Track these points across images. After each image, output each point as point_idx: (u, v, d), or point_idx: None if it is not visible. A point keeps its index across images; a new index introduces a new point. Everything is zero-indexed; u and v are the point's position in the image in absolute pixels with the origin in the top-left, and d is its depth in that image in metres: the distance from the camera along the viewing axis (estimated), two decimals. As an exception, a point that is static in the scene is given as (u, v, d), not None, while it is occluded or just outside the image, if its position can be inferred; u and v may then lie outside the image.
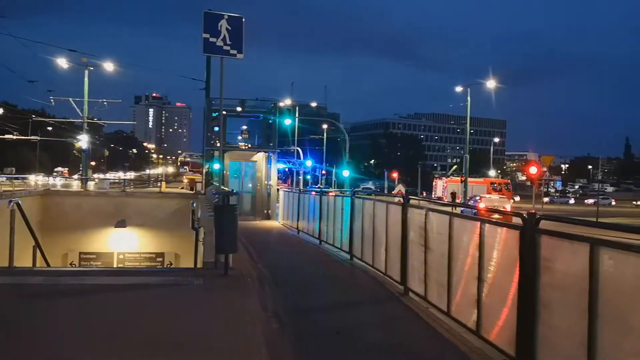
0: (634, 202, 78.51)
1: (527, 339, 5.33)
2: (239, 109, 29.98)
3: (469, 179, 53.98)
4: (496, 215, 7.12)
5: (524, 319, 5.40)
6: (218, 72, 13.71)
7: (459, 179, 56.16)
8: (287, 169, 51.72)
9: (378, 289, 9.98)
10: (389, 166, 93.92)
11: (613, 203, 77.29)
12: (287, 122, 38.96)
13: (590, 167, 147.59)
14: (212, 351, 6.21)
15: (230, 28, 12.85)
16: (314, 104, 79.26)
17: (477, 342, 6.43)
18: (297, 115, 49.35)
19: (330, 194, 17.69)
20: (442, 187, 56.66)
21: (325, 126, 71.42)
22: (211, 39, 12.90)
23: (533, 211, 5.66)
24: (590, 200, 77.71)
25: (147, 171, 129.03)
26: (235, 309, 8.31)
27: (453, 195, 52.58)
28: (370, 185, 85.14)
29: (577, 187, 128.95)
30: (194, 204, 13.57)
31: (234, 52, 12.98)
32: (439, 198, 54.21)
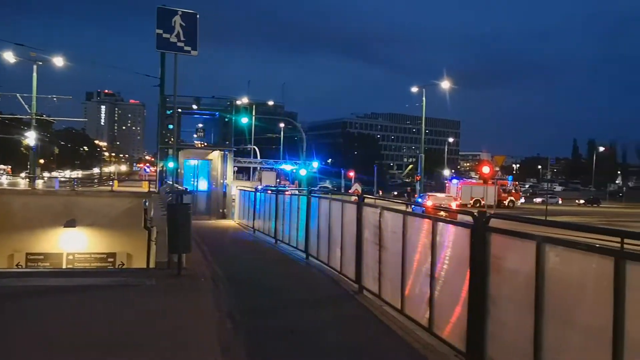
0: (577, 201, 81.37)
1: (477, 334, 5.42)
2: (194, 106, 29.56)
3: (478, 182, 57.74)
4: (442, 213, 7.19)
5: (474, 316, 5.50)
6: (173, 68, 13.47)
7: (475, 181, 58.82)
8: (293, 170, 52.69)
9: (333, 288, 10.00)
10: (346, 165, 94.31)
11: (560, 202, 79.81)
12: (244, 120, 38.74)
13: (539, 167, 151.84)
14: (164, 353, 6.08)
15: (184, 24, 12.63)
16: (271, 103, 78.82)
17: (430, 339, 6.52)
18: (254, 113, 49.11)
19: (287, 193, 17.64)
20: (455, 189, 58.07)
21: (282, 125, 71.24)
22: (165, 35, 12.66)
23: (484, 210, 5.78)
24: (539, 199, 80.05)
25: (93, 170, 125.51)
26: (189, 309, 8.19)
27: (409, 193, 53.41)
28: (327, 184, 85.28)
29: (527, 186, 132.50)
30: (147, 203, 13.30)
31: (188, 48, 12.76)
32: (454, 199, 55.89)
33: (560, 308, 4.32)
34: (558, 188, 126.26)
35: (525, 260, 4.70)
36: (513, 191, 59.50)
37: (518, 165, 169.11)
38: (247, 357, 6.12)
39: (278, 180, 49.33)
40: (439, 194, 48.26)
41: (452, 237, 6.22)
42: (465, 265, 5.69)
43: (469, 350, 5.56)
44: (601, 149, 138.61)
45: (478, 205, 53.89)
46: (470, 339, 5.54)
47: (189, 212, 10.40)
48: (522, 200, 57.35)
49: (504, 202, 57.07)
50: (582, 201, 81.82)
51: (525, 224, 5.76)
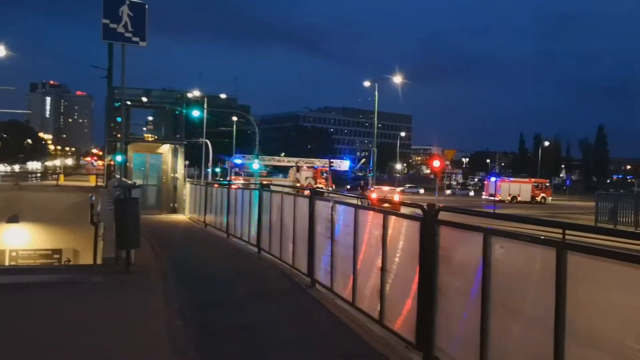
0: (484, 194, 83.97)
1: (426, 326, 5.51)
2: (144, 99, 28.89)
3: (516, 179, 62.68)
4: (386, 205, 7.30)
5: (424, 307, 5.58)
6: (121, 60, 13.08)
7: (512, 179, 62.91)
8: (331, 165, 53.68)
9: (285, 282, 9.97)
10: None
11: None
12: (195, 113, 38.11)
13: (488, 160, 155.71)
14: (110, 352, 5.93)
15: (132, 14, 12.25)
16: (223, 96, 77.90)
17: (381, 331, 6.58)
18: (205, 106, 48.36)
19: (232, 186, 17.48)
20: (494, 186, 60.49)
21: (235, 118, 70.48)
22: (111, 25, 12.23)
23: (433, 203, 5.86)
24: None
25: (27, 165, 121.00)
26: (137, 306, 8.01)
27: (362, 187, 54.04)
28: (280, 178, 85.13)
29: (476, 179, 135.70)
30: (93, 198, 12.92)
31: (137, 39, 12.39)
32: (491, 195, 58.02)
33: (506, 298, 4.42)
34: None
35: (473, 251, 4.79)
36: (544, 188, 62.04)
37: (468, 159, 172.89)
38: (197, 354, 6.03)
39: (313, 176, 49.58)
40: (383, 187, 49.69)
41: (402, 230, 6.28)
42: (416, 257, 5.77)
43: (419, 341, 5.64)
44: (546, 143, 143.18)
45: (514, 201, 58.16)
46: (420, 331, 5.62)
47: (138, 207, 10.16)
48: (549, 198, 60.65)
49: (537, 198, 59.76)
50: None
51: (472, 216, 5.88)
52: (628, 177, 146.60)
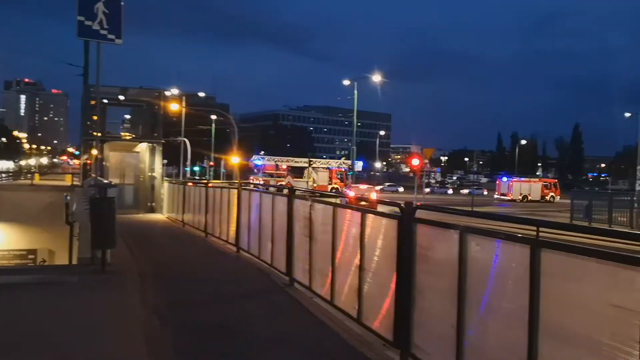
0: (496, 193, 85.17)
1: (403, 323, 5.53)
2: (121, 97, 28.52)
3: (527, 179, 65.21)
4: (363, 203, 7.32)
5: (401, 305, 5.61)
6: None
7: (524, 179, 65.46)
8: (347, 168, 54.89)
9: (264, 281, 9.94)
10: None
11: (485, 193, 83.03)
12: (174, 111, 37.80)
13: (466, 159, 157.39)
14: (87, 353, 5.85)
15: (107, 11, 12.10)
16: (202, 94, 77.27)
17: (359, 329, 6.60)
18: (184, 105, 47.98)
19: (209, 185, 17.35)
20: (507, 186, 62.91)
21: (214, 117, 70.09)
22: (86, 22, 12.08)
23: (410, 201, 5.88)
24: (466, 191, 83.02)
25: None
26: (113, 306, 7.92)
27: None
28: (260, 176, 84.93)
29: (455, 178, 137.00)
30: (68, 197, 12.74)
31: (112, 37, 12.25)
32: (503, 195, 61.29)
33: (480, 295, 4.46)
34: (484, 180, 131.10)
35: (449, 249, 4.82)
36: (553, 187, 63.52)
37: (446, 158, 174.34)
38: (174, 353, 5.99)
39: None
40: (361, 186, 50.31)
41: (380, 229, 6.30)
42: (393, 255, 5.79)
43: (396, 339, 5.67)
44: (523, 142, 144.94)
45: (525, 200, 59.83)
46: (397, 328, 5.65)
47: (113, 206, 10.04)
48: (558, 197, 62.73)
49: (546, 197, 61.28)
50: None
51: (449, 214, 5.92)
52: (602, 175, 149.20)
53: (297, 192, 9.71)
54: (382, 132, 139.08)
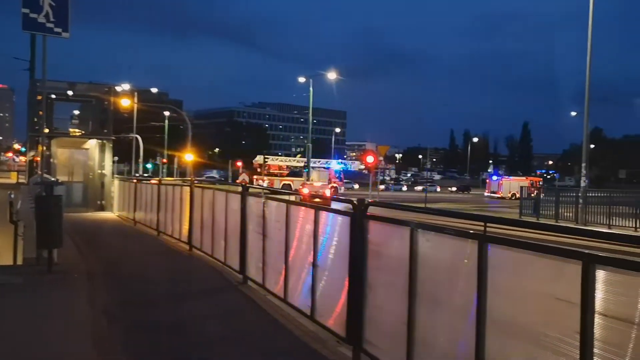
0: (449, 189, 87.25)
1: (356, 319, 5.57)
2: (69, 92, 27.66)
3: (515, 178, 65.25)
4: (317, 200, 7.36)
5: (354, 301, 5.63)
6: (48, 51, 12.46)
7: (512, 177, 66.45)
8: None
9: (217, 279, 9.84)
10: (234, 155, 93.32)
11: (438, 190, 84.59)
12: (125, 107, 36.96)
13: (420, 156, 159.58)
14: (34, 355, 5.65)
15: (54, 4, 11.65)
16: (154, 90, 75.73)
17: (312, 326, 6.61)
18: (135, 100, 46.98)
19: (153, 182, 17.05)
20: (497, 184, 64.16)
21: (167, 113, 68.85)
22: (32, 15, 11.61)
23: (363, 198, 5.91)
24: (420, 187, 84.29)
25: None
26: (60, 307, 7.69)
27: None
28: (214, 174, 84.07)
29: (409, 175, 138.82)
30: (12, 195, 12.27)
31: (59, 30, 11.82)
32: (493, 192, 62.60)
33: (431, 290, 4.52)
34: (437, 177, 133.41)
35: (401, 245, 4.87)
36: (538, 185, 65.63)
37: (401, 155, 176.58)
38: (123, 354, 5.85)
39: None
40: (315, 183, 50.43)
41: (333, 226, 6.32)
42: (346, 252, 5.81)
43: (349, 335, 5.70)
44: (475, 139, 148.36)
45: (514, 197, 59.35)
46: (350, 325, 5.68)
47: (61, 204, 9.74)
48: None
49: (532, 194, 63.04)
50: (454, 189, 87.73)
51: (401, 211, 5.99)
52: (550, 172, 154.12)
53: (251, 190, 9.64)
54: (337, 130, 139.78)
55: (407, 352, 4.66)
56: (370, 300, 5.45)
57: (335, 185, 54.71)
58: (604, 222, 25.20)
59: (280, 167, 57.66)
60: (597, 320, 3.03)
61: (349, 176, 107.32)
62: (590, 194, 28.04)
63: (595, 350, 3.01)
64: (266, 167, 55.49)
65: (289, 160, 60.91)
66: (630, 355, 2.84)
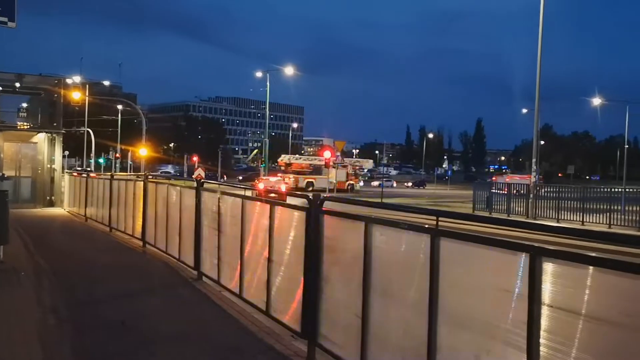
0: (405, 184, 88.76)
1: (311, 314, 5.56)
2: (17, 84, 26.67)
3: (520, 176, 62.23)
4: (272, 195, 7.31)
5: (309, 296, 5.63)
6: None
7: (518, 176, 63.83)
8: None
9: (171, 276, 9.69)
10: (190, 150, 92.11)
11: (394, 185, 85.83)
12: (75, 100, 35.92)
13: (377, 152, 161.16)
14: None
15: (-2, -8, 11.27)
16: (107, 83, 73.96)
17: (268, 321, 6.57)
18: (87, 93, 45.74)
19: (97, 176, 16.66)
20: (502, 182, 64.65)
21: (120, 107, 67.30)
22: (-24, 3, 11.19)
23: (318, 192, 5.92)
24: (376, 182, 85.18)
25: None
26: (5, 307, 7.41)
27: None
28: (169, 169, 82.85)
29: (366, 170, 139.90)
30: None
31: (4, 19, 11.40)
32: (500, 190, 62.51)
33: (385, 283, 4.56)
34: (393, 172, 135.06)
35: (355, 240, 4.89)
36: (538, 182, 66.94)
37: (357, 151, 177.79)
38: (71, 354, 5.68)
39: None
40: (271, 178, 50.65)
41: (289, 220, 6.30)
42: (301, 247, 5.81)
43: (304, 330, 5.69)
44: (430, 135, 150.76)
45: (517, 193, 61.93)
46: (305, 319, 5.67)
47: (6, 200, 9.40)
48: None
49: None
50: (410, 184, 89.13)
51: (355, 205, 6.02)
52: (502, 168, 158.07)
53: (205, 185, 9.51)
54: (294, 125, 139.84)
55: (361, 346, 4.69)
56: (325, 295, 5.46)
57: (352, 182, 59.33)
58: (553, 216, 26.01)
59: (303, 166, 60.41)
60: (544, 311, 3.11)
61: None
62: (540, 189, 28.89)
63: (542, 340, 3.09)
64: (291, 166, 58.77)
65: (312, 160, 63.54)
66: (577, 345, 2.92)
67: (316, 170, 59.75)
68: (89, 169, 53.22)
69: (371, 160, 74.74)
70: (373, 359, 4.61)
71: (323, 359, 5.40)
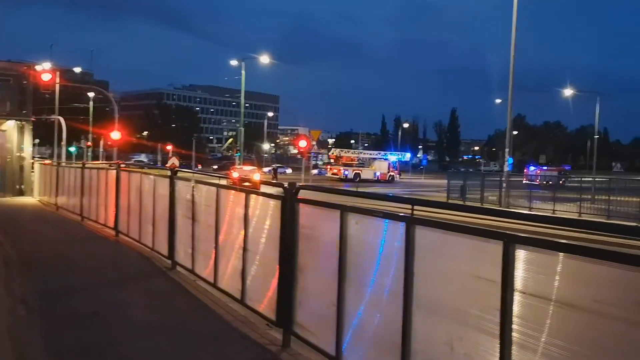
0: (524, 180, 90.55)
1: (286, 303, 5.56)
2: (-16, 70, 26.01)
3: (548, 168, 65.10)
4: (247, 184, 7.26)
5: (284, 285, 5.63)
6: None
7: (547, 168, 67.18)
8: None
9: (145, 265, 9.59)
10: (164, 138, 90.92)
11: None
12: (46, 87, 35.09)
13: (352, 141, 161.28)
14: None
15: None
16: (78, 70, 72.31)
17: (243, 310, 6.56)
18: (58, 81, 44.68)
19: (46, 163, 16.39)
20: (534, 174, 65.93)
21: (92, 94, 65.97)
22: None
23: (294, 182, 5.88)
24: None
25: None
26: (-27, 298, 7.22)
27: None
28: (143, 158, 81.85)
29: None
30: None
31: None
32: (530, 181, 63.73)
33: (360, 271, 4.57)
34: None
35: (331, 228, 4.88)
36: (565, 173, 67.39)
37: (333, 140, 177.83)
38: (42, 346, 5.59)
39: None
40: (244, 167, 50.61)
41: (264, 209, 6.26)
42: (277, 236, 5.78)
43: (279, 318, 5.69)
44: (405, 125, 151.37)
45: (546, 184, 63.14)
46: (280, 308, 5.67)
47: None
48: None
49: (561, 181, 65.26)
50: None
51: (332, 194, 6.01)
52: (476, 157, 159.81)
53: (180, 174, 9.40)
54: (270, 114, 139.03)
55: (336, 334, 4.71)
56: (301, 283, 5.45)
57: (392, 173, 62.89)
58: (525, 205, 26.42)
59: (351, 159, 64.62)
60: (517, 297, 3.15)
61: (283, 161, 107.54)
62: (513, 179, 29.28)
63: (514, 326, 3.13)
64: (341, 159, 63.35)
65: (359, 153, 69.25)
66: (547, 330, 2.96)
67: (363, 163, 64.75)
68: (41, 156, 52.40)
69: (408, 154, 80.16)
70: (348, 346, 4.63)
71: (298, 347, 5.41)
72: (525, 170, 77.22)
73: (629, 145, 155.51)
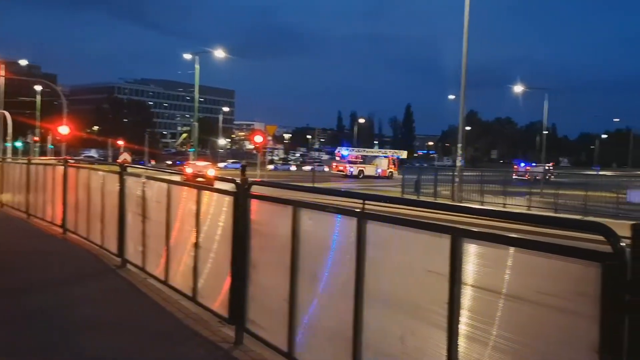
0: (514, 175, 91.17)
1: (238, 299, 5.51)
2: None
3: (539, 164, 64.58)
4: (200, 180, 7.17)
5: (236, 281, 5.57)
6: None
7: (536, 164, 67.02)
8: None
9: (93, 263, 9.33)
10: (115, 133, 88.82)
11: (326, 169, 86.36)
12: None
13: (309, 137, 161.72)
14: None
15: None
16: (24, 62, 69.87)
17: (195, 308, 6.46)
18: (3, 73, 43.12)
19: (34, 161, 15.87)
20: (523, 170, 67.71)
21: (39, 87, 63.84)
22: None
23: (246, 177, 5.81)
24: (308, 167, 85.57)
25: None
26: None
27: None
28: (93, 153, 79.87)
29: (297, 155, 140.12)
30: None
31: None
32: (520, 176, 64.33)
33: (313, 267, 4.55)
34: (325, 156, 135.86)
35: (283, 224, 4.85)
36: (552, 169, 68.40)
37: (290, 135, 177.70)
38: (-16, 349, 5.35)
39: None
40: (198, 162, 50.27)
41: (217, 206, 6.19)
42: (229, 232, 5.72)
43: (231, 315, 5.63)
44: (361, 120, 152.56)
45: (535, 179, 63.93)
46: (233, 305, 5.61)
47: None
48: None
49: (550, 177, 66.45)
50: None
51: (285, 189, 5.97)
52: (430, 153, 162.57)
53: (130, 170, 9.18)
54: (225, 109, 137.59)
55: (289, 330, 4.68)
56: (253, 280, 5.41)
57: (391, 170, 65.84)
58: (477, 200, 27.01)
59: (356, 157, 69.11)
60: (465, 290, 3.19)
61: (239, 156, 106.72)
62: (466, 174, 29.90)
63: (462, 319, 3.18)
64: (348, 157, 67.76)
65: (362, 152, 74.26)
66: (497, 323, 3.01)
67: (365, 160, 68.88)
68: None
69: (405, 152, 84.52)
70: (300, 342, 4.62)
71: (251, 344, 5.37)
72: (515, 167, 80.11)
73: (575, 140, 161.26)
